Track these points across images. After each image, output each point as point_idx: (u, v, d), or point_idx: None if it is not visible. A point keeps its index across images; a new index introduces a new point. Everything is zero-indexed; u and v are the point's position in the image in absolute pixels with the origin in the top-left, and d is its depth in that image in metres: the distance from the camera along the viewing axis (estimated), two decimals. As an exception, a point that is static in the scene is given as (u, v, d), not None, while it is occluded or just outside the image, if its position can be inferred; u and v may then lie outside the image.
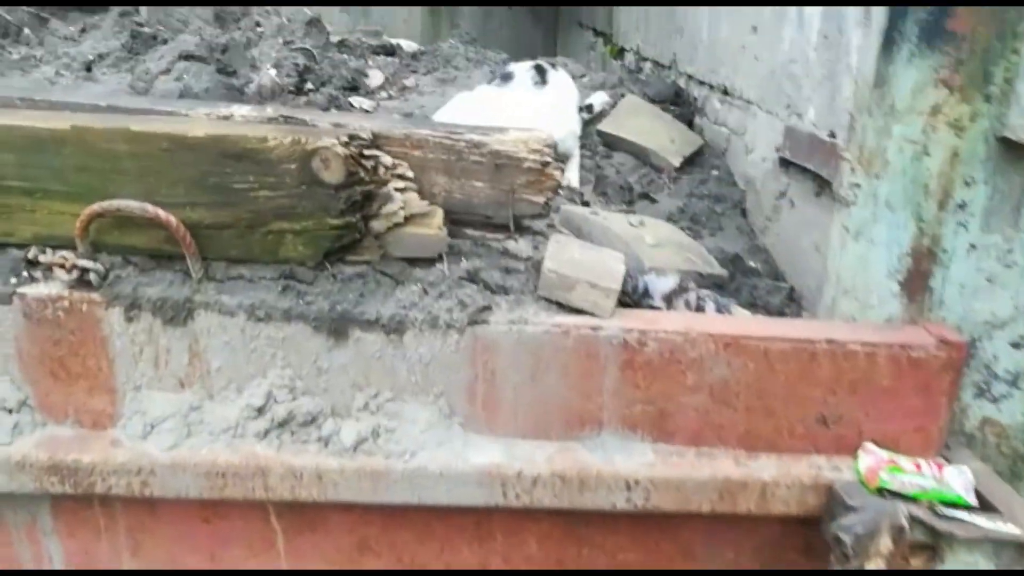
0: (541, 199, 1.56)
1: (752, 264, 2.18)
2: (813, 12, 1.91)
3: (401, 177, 1.48)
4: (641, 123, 2.83)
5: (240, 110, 1.48)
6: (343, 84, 2.51)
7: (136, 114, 1.44)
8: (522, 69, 2.14)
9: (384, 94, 2.66)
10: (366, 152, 1.42)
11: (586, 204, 2.26)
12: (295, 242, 1.43)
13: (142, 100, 1.49)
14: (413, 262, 1.54)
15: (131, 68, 2.35)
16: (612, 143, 2.76)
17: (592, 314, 1.50)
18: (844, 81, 1.73)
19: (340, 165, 1.36)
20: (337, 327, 1.44)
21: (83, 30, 2.74)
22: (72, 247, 1.40)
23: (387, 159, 1.45)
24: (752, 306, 1.99)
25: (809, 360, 1.53)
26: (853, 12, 1.67)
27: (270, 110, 1.49)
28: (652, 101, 3.34)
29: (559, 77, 2.22)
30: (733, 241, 2.33)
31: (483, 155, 1.50)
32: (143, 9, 2.76)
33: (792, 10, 2.06)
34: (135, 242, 1.41)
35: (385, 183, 1.46)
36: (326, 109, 2.40)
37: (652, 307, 1.64)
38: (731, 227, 2.42)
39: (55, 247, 1.41)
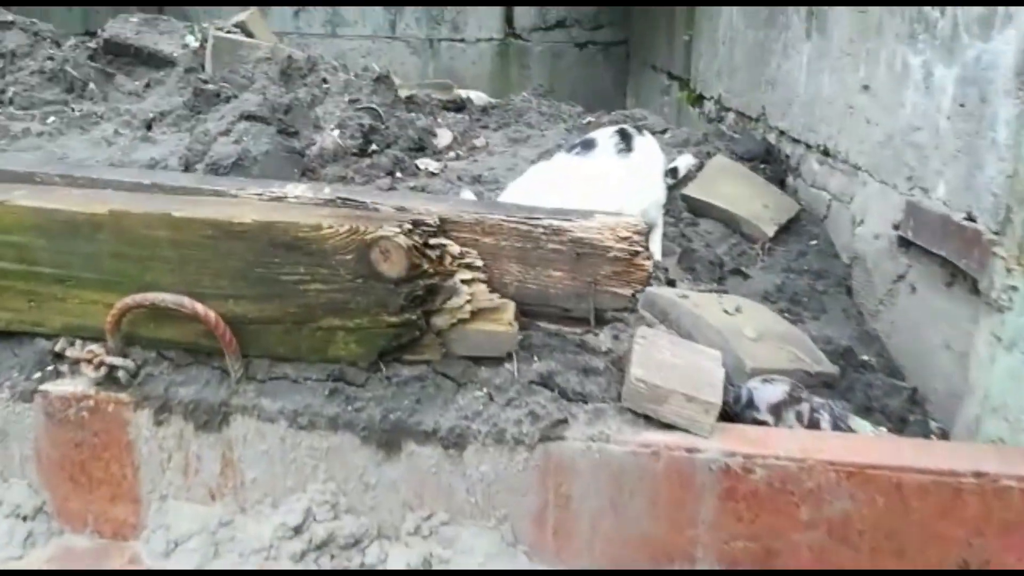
0: (628, 291, 1.38)
1: (865, 357, 1.93)
2: (945, 76, 1.69)
3: (469, 267, 1.33)
4: (730, 187, 2.63)
5: (295, 190, 1.36)
6: (409, 145, 2.41)
7: (181, 194, 1.33)
8: (604, 136, 1.98)
9: (452, 154, 2.55)
10: (431, 241, 1.27)
11: (672, 283, 2.07)
12: (347, 340, 1.29)
13: (190, 177, 1.39)
14: (478, 361, 1.38)
15: (191, 128, 2.31)
16: (698, 209, 2.57)
17: (687, 431, 1.30)
18: (988, 158, 1.51)
19: (402, 257, 1.21)
20: (389, 439, 1.28)
21: (148, 85, 2.73)
22: (105, 338, 1.29)
23: (455, 248, 1.30)
24: (867, 409, 1.75)
25: (952, 496, 1.29)
26: (1002, 80, 1.45)
27: (328, 190, 1.36)
28: (740, 159, 3.14)
29: (644, 143, 2.05)
30: (839, 326, 2.09)
31: (563, 243, 1.34)
32: (208, 65, 2.74)
33: (917, 71, 1.85)
34: (171, 335, 1.30)
35: (451, 274, 1.31)
36: (391, 172, 2.29)
37: (756, 420, 1.42)
38: (836, 309, 2.19)
39: (86, 338, 1.31)
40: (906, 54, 1.92)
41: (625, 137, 2.00)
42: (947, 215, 1.63)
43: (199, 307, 1.22)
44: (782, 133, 3.23)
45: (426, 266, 1.26)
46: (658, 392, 1.29)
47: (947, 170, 1.69)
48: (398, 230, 1.21)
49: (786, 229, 2.57)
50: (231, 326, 1.27)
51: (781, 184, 3.04)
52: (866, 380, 1.82)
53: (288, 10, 6.37)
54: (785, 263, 2.35)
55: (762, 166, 3.16)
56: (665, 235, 2.38)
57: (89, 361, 1.26)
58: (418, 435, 1.28)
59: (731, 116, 4.07)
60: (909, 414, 1.75)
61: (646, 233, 1.34)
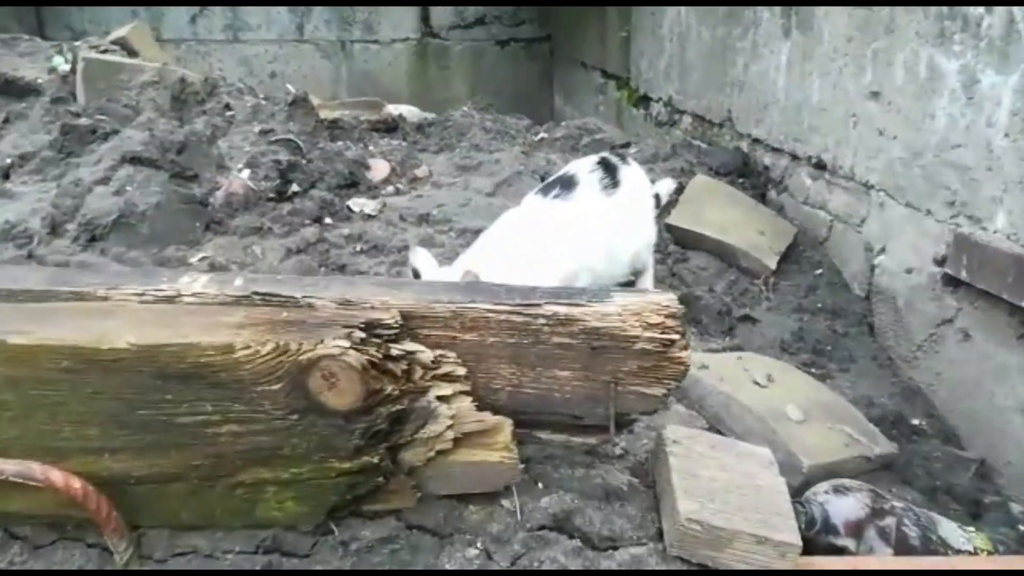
0: (660, 391, 1.09)
1: (915, 421, 1.70)
2: (999, 84, 1.47)
3: (447, 378, 1.01)
4: (718, 212, 2.38)
5: (192, 284, 1.01)
6: (339, 182, 2.07)
7: (25, 301, 0.97)
8: (584, 170, 1.69)
9: (391, 188, 2.22)
10: (393, 349, 0.95)
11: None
12: (281, 497, 0.96)
13: (38, 274, 1.03)
14: (465, 499, 1.06)
15: (59, 175, 1.91)
16: (686, 240, 2.31)
17: (754, 579, 1.02)
18: (1077, 185, 1.28)
19: (354, 381, 0.89)
20: (352, 634, 0.95)
21: (5, 120, 2.31)
22: (-82, 520, 0.92)
23: (426, 355, 0.98)
24: (932, 491, 1.51)
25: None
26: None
27: (240, 281, 1.02)
28: (716, 173, 2.92)
29: (631, 173, 1.77)
30: (874, 380, 1.86)
31: (572, 335, 1.04)
32: (80, 94, 2.33)
33: (952, 77, 1.63)
34: (22, 506, 0.94)
35: (424, 391, 0.99)
36: (318, 219, 1.95)
37: (833, 546, 1.15)
38: (863, 356, 1.95)
39: None
40: (934, 56, 1.70)
41: (609, 169, 1.71)
42: (1020, 255, 1.40)
43: (56, 475, 0.87)
44: (756, 141, 3.02)
45: (389, 388, 0.94)
46: (719, 536, 1.00)
47: (1008, 197, 1.47)
48: (346, 344, 0.89)
49: (785, 256, 2.34)
50: (109, 490, 0.92)
51: (762, 199, 2.83)
52: (923, 452, 1.58)
53: (184, 15, 5.89)
54: (795, 301, 2.11)
55: (740, 180, 2.95)
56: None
57: None
58: (392, 624, 0.96)
59: (687, 120, 3.86)
60: (981, 493, 1.52)
61: (682, 316, 1.05)
